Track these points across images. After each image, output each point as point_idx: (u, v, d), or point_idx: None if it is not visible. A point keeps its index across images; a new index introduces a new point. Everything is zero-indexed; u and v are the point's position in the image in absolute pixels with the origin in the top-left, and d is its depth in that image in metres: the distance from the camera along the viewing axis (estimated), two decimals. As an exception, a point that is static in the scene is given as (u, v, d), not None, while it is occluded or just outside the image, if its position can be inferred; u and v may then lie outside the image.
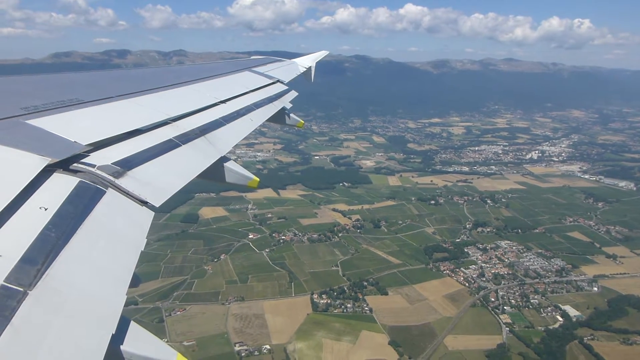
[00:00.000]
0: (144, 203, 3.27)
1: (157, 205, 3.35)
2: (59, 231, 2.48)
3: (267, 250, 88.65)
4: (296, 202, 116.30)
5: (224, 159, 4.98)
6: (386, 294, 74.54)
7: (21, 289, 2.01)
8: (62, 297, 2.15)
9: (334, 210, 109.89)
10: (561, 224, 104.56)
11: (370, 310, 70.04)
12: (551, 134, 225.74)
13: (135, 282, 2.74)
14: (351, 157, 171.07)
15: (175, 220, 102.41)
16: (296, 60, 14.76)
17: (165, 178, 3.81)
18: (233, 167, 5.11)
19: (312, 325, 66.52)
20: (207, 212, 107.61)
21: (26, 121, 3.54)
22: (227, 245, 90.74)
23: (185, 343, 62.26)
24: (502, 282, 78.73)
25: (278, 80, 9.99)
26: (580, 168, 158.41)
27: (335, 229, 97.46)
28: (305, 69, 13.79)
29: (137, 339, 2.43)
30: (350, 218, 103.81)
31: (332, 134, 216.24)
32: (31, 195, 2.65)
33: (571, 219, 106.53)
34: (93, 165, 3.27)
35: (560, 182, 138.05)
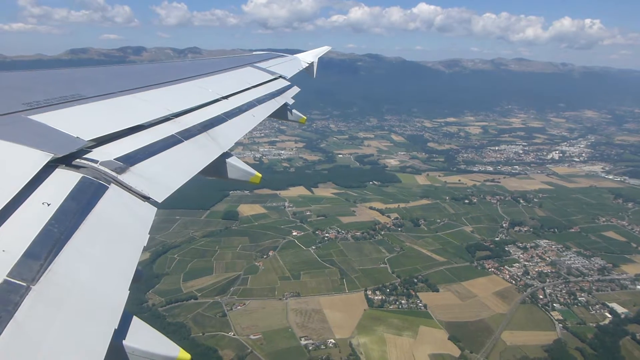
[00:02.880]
0: (146, 199, 3.31)
1: (160, 201, 3.39)
2: (61, 226, 2.51)
3: (313, 247, 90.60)
4: (332, 200, 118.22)
5: (226, 154, 4.98)
6: (437, 290, 76.49)
7: (24, 284, 2.02)
8: (64, 292, 2.17)
9: (370, 208, 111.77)
10: (595, 223, 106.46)
11: (425, 306, 71.97)
12: (567, 134, 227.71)
13: (138, 277, 2.77)
14: (374, 156, 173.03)
15: (216, 217, 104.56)
16: (298, 55, 14.45)
17: (167, 174, 3.85)
18: (235, 162, 5.11)
19: (371, 320, 68.51)
20: (246, 210, 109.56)
21: (28, 117, 3.55)
22: (272, 242, 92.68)
23: (252, 337, 64.26)
24: (547, 280, 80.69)
25: (280, 76, 9.95)
26: (602, 168, 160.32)
27: (376, 227, 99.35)
28: (307, 65, 13.63)
29: (140, 333, 2.47)
30: (389, 216, 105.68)
31: (351, 132, 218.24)
32: (34, 190, 2.67)
33: (604, 219, 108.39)
34: (95, 161, 3.31)
35: (586, 183, 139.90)
